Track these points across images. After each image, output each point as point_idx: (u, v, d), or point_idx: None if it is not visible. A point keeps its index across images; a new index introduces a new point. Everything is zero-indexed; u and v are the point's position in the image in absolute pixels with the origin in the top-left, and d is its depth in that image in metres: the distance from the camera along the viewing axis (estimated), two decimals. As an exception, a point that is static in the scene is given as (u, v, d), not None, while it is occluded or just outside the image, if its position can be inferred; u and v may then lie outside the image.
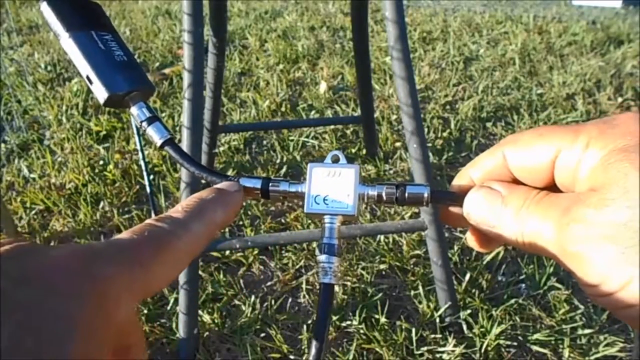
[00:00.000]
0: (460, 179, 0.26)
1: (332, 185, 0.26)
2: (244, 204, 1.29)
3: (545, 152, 0.22)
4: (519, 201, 0.22)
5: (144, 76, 0.30)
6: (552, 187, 0.23)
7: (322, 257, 0.26)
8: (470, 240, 0.27)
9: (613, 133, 0.20)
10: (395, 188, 0.26)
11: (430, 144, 1.56)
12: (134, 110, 0.29)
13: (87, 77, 0.28)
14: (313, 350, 0.24)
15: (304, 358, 0.92)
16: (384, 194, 0.26)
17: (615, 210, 0.18)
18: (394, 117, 1.71)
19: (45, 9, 0.28)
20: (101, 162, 1.48)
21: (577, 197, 0.20)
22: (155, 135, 0.29)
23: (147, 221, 0.21)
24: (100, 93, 0.28)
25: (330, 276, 0.26)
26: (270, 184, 0.28)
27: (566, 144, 0.21)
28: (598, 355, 0.91)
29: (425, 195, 0.26)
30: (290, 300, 1.04)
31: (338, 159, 0.27)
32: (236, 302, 1.03)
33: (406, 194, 0.26)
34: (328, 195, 0.26)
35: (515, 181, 0.24)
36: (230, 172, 1.44)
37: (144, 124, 0.29)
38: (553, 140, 0.22)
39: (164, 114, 1.74)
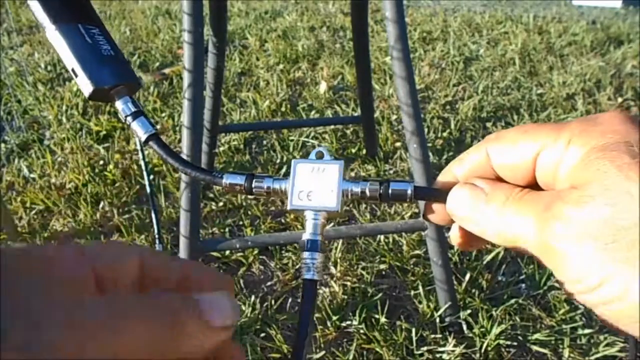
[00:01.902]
0: (444, 176, 0.26)
1: (316, 181, 0.26)
2: (244, 204, 1.29)
3: (527, 149, 0.22)
4: (501, 198, 0.22)
5: (130, 71, 0.30)
6: (534, 186, 0.23)
7: (305, 254, 0.26)
8: (454, 238, 0.27)
9: (594, 131, 0.20)
10: (379, 184, 0.26)
11: (430, 144, 1.56)
12: (118, 104, 0.29)
13: (73, 70, 0.28)
14: (295, 348, 0.24)
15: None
16: (367, 190, 0.26)
17: (594, 208, 0.18)
18: (394, 117, 1.71)
19: (32, 1, 0.28)
20: (101, 162, 1.48)
21: (557, 195, 0.20)
22: (139, 130, 0.29)
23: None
24: (85, 86, 0.28)
25: (313, 272, 0.26)
26: (254, 180, 0.28)
27: (548, 142, 0.21)
28: (598, 355, 0.91)
29: (409, 191, 0.26)
30: (290, 300, 1.04)
31: (322, 155, 0.27)
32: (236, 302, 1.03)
33: (389, 190, 0.26)
34: (312, 191, 0.26)
35: (499, 179, 0.24)
36: (230, 172, 1.44)
37: (129, 118, 0.29)
38: (536, 138, 0.22)
39: (164, 114, 1.74)
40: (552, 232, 0.19)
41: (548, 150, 0.21)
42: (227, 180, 0.28)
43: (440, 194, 0.25)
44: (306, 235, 0.26)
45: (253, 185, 0.27)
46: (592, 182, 0.19)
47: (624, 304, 0.18)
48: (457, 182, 0.25)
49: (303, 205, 0.26)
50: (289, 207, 0.26)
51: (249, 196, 0.26)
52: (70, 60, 0.28)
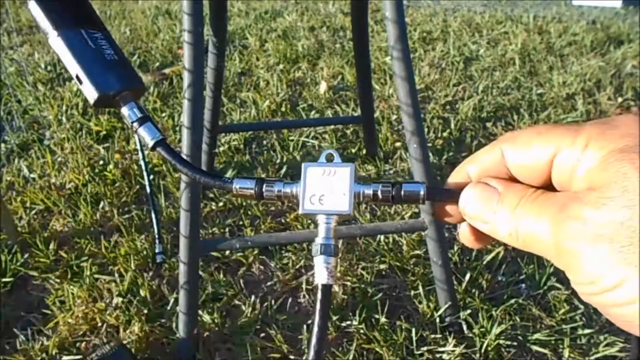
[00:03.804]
0: (457, 175, 0.26)
1: (328, 185, 0.26)
2: (244, 204, 1.29)
3: (543, 151, 0.22)
4: (515, 199, 0.22)
5: (135, 75, 0.30)
6: (548, 187, 0.23)
7: (319, 258, 0.26)
8: (464, 236, 0.27)
9: (613, 134, 0.20)
10: (391, 186, 0.26)
11: (430, 144, 1.56)
12: (124, 110, 0.29)
13: (77, 77, 0.27)
14: (312, 352, 0.24)
15: (303, 358, 0.92)
16: (379, 193, 0.26)
17: (613, 209, 0.18)
18: (394, 117, 1.71)
19: (34, 7, 0.28)
20: (101, 162, 1.48)
21: (574, 195, 0.20)
22: (146, 136, 0.28)
23: None
24: (90, 93, 0.27)
25: (328, 276, 0.25)
26: (265, 185, 0.27)
27: (565, 144, 0.21)
28: (598, 355, 0.91)
29: (422, 193, 0.26)
30: (290, 300, 1.04)
31: (332, 158, 0.27)
32: (236, 302, 1.03)
33: (402, 192, 0.26)
34: (323, 194, 0.26)
35: (512, 178, 0.24)
36: (230, 172, 1.44)
37: (135, 124, 0.28)
38: (552, 140, 0.22)
39: (164, 114, 1.74)
40: (568, 232, 0.19)
41: (564, 152, 0.21)
42: (237, 185, 0.27)
43: (452, 194, 0.25)
44: (319, 240, 0.26)
45: (264, 190, 0.27)
46: (611, 183, 0.19)
47: (636, 307, 0.18)
48: (469, 182, 0.25)
49: (315, 210, 0.26)
50: (300, 212, 0.26)
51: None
52: (74, 67, 0.27)
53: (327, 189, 0.26)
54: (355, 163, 0.26)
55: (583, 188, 0.20)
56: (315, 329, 0.25)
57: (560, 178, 0.22)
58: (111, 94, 0.28)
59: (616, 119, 0.21)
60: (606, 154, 0.19)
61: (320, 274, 0.25)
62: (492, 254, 1.11)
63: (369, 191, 0.26)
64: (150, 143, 0.28)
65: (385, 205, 1.28)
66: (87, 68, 0.27)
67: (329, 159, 0.27)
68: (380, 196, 0.26)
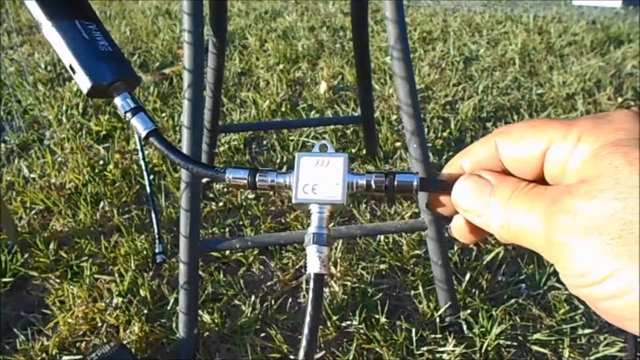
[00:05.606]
0: (450, 168, 0.26)
1: (321, 175, 0.26)
2: (244, 204, 1.29)
3: (536, 144, 0.22)
4: (507, 192, 0.22)
5: (128, 66, 0.30)
6: (541, 180, 0.23)
7: (312, 247, 0.26)
8: (456, 229, 0.27)
9: (606, 128, 0.20)
10: (385, 176, 0.26)
11: (430, 144, 1.56)
12: (117, 100, 0.29)
13: (70, 67, 0.27)
14: (304, 342, 0.24)
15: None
16: (372, 183, 0.26)
17: (603, 202, 0.18)
18: (394, 117, 1.71)
19: None
20: (101, 162, 1.48)
21: (565, 189, 0.20)
22: (139, 126, 0.28)
23: None
24: (83, 82, 0.27)
25: (320, 266, 0.25)
26: (258, 175, 0.27)
27: (558, 137, 0.21)
28: (598, 355, 0.91)
29: (415, 183, 0.26)
30: (290, 300, 1.04)
31: (326, 148, 0.27)
32: (236, 302, 1.03)
33: (395, 182, 0.26)
34: (317, 184, 0.26)
35: (505, 172, 0.24)
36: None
37: (128, 114, 0.28)
38: (545, 133, 0.22)
39: (164, 114, 1.74)
40: (559, 225, 0.19)
41: (557, 145, 0.21)
42: (230, 175, 0.27)
43: (445, 186, 0.25)
44: (312, 229, 0.26)
45: (257, 180, 0.27)
46: (603, 176, 0.19)
47: (626, 299, 0.18)
48: (462, 173, 0.25)
49: (308, 199, 0.26)
50: (294, 201, 0.26)
51: (253, 191, 0.25)
52: (67, 57, 0.27)
53: (320, 178, 0.26)
54: (347, 154, 0.26)
55: (574, 181, 0.20)
56: (308, 318, 0.25)
57: (552, 172, 0.22)
58: (104, 84, 0.28)
59: (610, 113, 0.21)
60: (598, 147, 0.19)
61: (313, 263, 0.25)
62: (492, 254, 1.11)
63: (362, 181, 0.26)
64: (143, 133, 0.28)
65: (383, 205, 1.28)
66: (80, 58, 0.27)
67: (323, 149, 0.27)
68: (373, 186, 0.26)
